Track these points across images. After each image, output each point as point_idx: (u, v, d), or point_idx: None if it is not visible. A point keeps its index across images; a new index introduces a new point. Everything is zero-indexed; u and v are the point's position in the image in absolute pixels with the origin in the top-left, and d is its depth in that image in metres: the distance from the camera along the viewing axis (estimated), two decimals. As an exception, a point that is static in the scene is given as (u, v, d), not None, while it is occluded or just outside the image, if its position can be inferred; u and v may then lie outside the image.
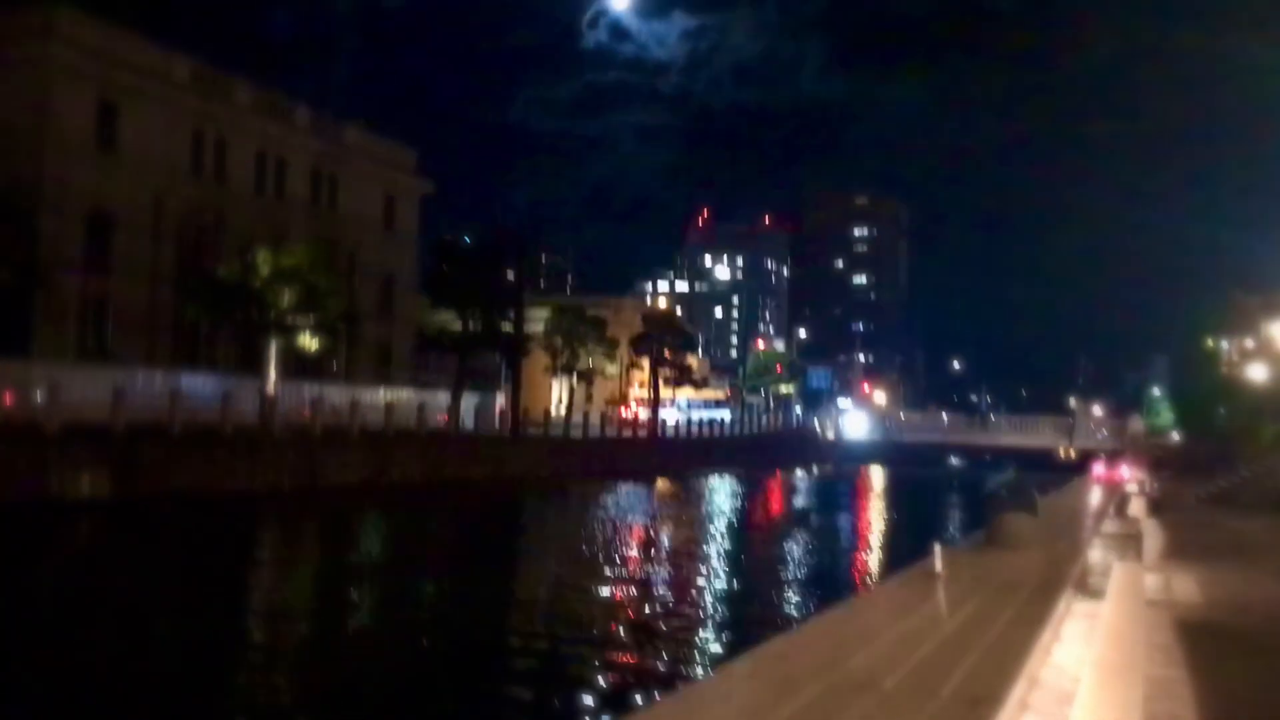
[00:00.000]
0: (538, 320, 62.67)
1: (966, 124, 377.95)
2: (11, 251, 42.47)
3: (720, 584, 23.26)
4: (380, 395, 47.93)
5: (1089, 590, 12.25)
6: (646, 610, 20.22)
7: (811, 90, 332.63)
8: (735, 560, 27.60)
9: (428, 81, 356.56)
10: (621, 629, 18.19)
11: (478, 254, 49.16)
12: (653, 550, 29.47)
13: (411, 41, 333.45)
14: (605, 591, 22.06)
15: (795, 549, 30.86)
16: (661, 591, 22.36)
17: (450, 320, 49.13)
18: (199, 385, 40.90)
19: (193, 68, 52.86)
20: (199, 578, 21.84)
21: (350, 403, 41.04)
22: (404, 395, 51.38)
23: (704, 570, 25.10)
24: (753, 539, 33.51)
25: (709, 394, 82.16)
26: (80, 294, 45.55)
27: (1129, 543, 12.93)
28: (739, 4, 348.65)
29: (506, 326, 52.83)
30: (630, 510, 40.49)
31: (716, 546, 30.33)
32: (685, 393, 79.44)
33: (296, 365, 50.86)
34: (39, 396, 30.62)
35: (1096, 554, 12.86)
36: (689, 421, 70.28)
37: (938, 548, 7.03)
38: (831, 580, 23.87)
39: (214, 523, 28.91)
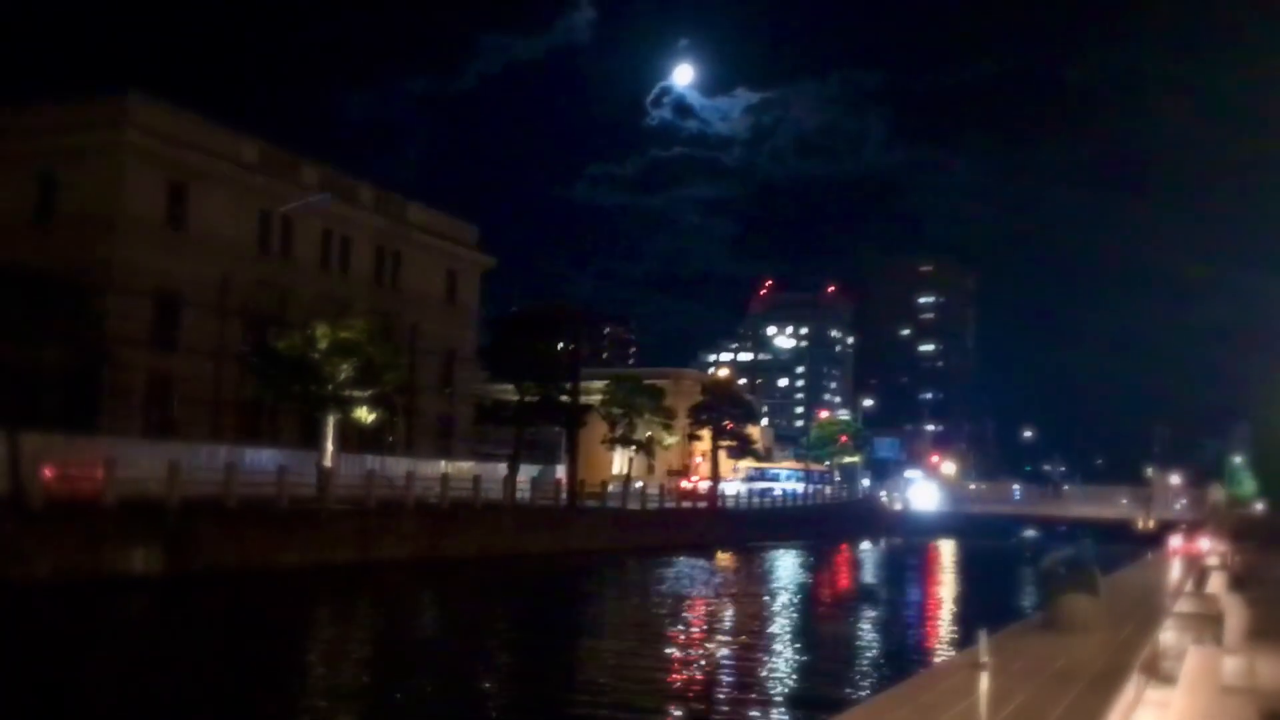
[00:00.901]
0: (596, 391, 62.51)
1: (1033, 190, 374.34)
2: (78, 330, 43.43)
3: (769, 666, 22.32)
4: (439, 468, 47.82)
5: (1160, 675, 11.38)
6: (684, 690, 19.45)
7: (874, 160, 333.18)
8: (792, 640, 26.58)
9: (494, 159, 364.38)
10: (656, 704, 17.48)
11: (534, 326, 49.15)
12: (708, 628, 28.60)
13: (479, 122, 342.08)
14: (648, 666, 21.35)
15: (857, 629, 29.76)
16: (703, 673, 21.55)
17: (508, 393, 49.05)
18: (261, 460, 41.13)
19: (261, 149, 54.18)
20: (236, 656, 21.56)
21: (405, 475, 40.87)
22: (464, 467, 51.26)
23: (756, 651, 24.16)
24: (813, 617, 32.42)
25: (788, 464, 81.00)
26: (147, 371, 46.29)
27: (1206, 623, 12.01)
28: (801, 78, 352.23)
29: (565, 398, 52.68)
30: (687, 585, 39.58)
31: (773, 625, 29.34)
32: (748, 462, 78.43)
33: (358, 439, 51.20)
34: (100, 473, 30.86)
35: (1170, 636, 12.00)
36: (749, 493, 69.15)
37: (983, 634, 6.45)
38: (895, 659, 22.81)
39: (261, 598, 28.70)
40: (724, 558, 50.99)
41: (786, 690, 19.23)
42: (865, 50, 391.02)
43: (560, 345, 55.42)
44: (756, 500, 68.93)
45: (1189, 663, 10.62)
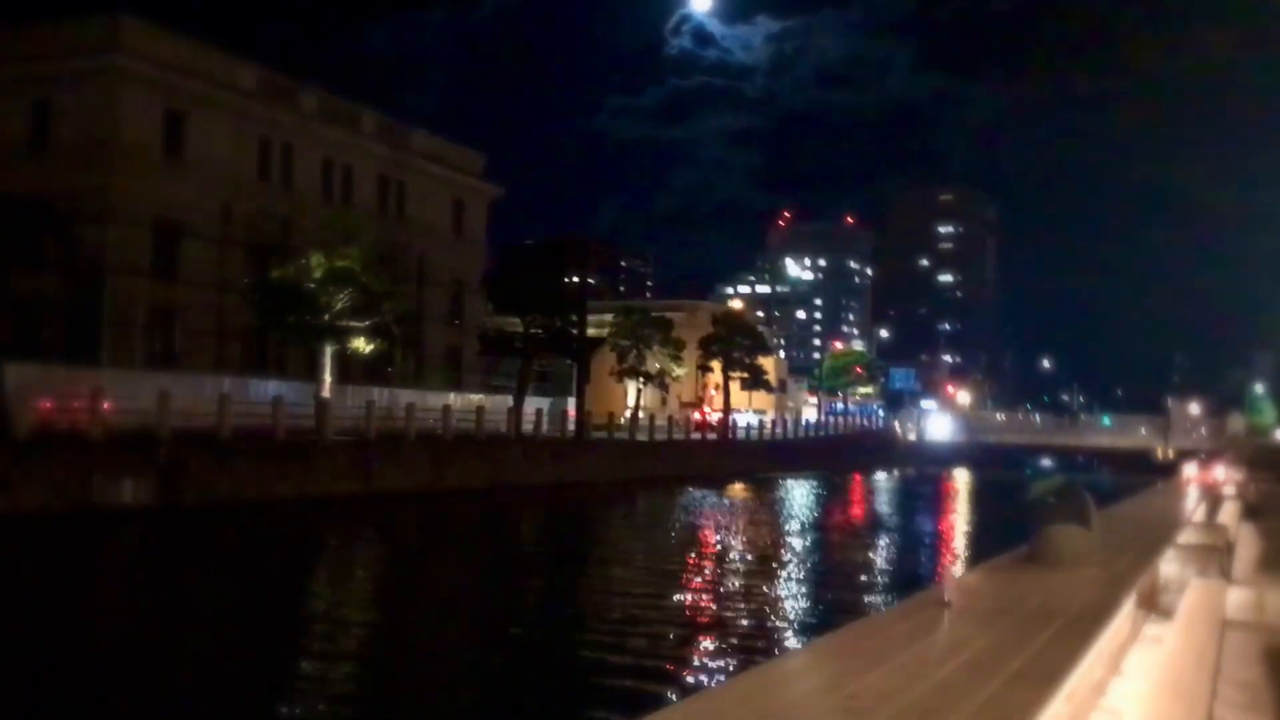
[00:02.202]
0: (608, 325, 61.67)
1: (1057, 121, 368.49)
2: (76, 259, 42.89)
3: (756, 596, 21.65)
4: (444, 399, 47.30)
5: (1160, 609, 10.62)
6: (671, 614, 18.92)
7: (897, 91, 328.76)
8: (789, 569, 25.98)
9: (513, 92, 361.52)
10: (644, 636, 16.92)
11: (541, 257, 48.22)
12: (707, 556, 28.07)
13: (497, 54, 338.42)
14: (642, 596, 20.84)
15: (859, 557, 29.15)
16: (692, 598, 21.02)
17: (517, 325, 48.30)
18: (266, 391, 40.62)
19: (259, 75, 53.05)
20: (225, 587, 21.16)
21: (406, 406, 40.31)
22: (474, 400, 50.75)
23: (745, 581, 23.44)
24: (818, 545, 31.84)
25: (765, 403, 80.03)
26: (148, 302, 45.76)
27: (1212, 554, 11.18)
28: (823, 5, 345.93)
29: (574, 331, 51.89)
30: (694, 515, 39.14)
31: (772, 554, 28.68)
32: (762, 399, 77.82)
33: (363, 371, 50.67)
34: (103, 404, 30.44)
35: (1172, 568, 11.21)
36: (761, 424, 68.51)
37: (950, 570, 5.54)
38: (888, 590, 22.21)
39: (257, 530, 28.36)
40: (735, 489, 50.51)
41: (749, 626, 18.48)
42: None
43: (569, 277, 54.61)
44: (767, 431, 68.23)
45: (1189, 596, 9.85)
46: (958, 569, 21.68)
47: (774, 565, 25.96)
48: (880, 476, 68.73)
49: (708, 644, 16.81)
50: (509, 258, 54.98)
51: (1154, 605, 10.63)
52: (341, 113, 57.63)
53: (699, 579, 23.70)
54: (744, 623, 18.65)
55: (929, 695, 4.34)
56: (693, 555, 27.88)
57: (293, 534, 29.27)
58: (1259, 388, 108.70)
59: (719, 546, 30.14)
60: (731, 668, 14.30)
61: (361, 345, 38.51)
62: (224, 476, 30.80)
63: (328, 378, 38.32)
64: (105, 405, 29.69)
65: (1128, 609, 8.16)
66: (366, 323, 37.97)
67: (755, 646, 16.16)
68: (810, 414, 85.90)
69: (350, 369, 48.39)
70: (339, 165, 57.08)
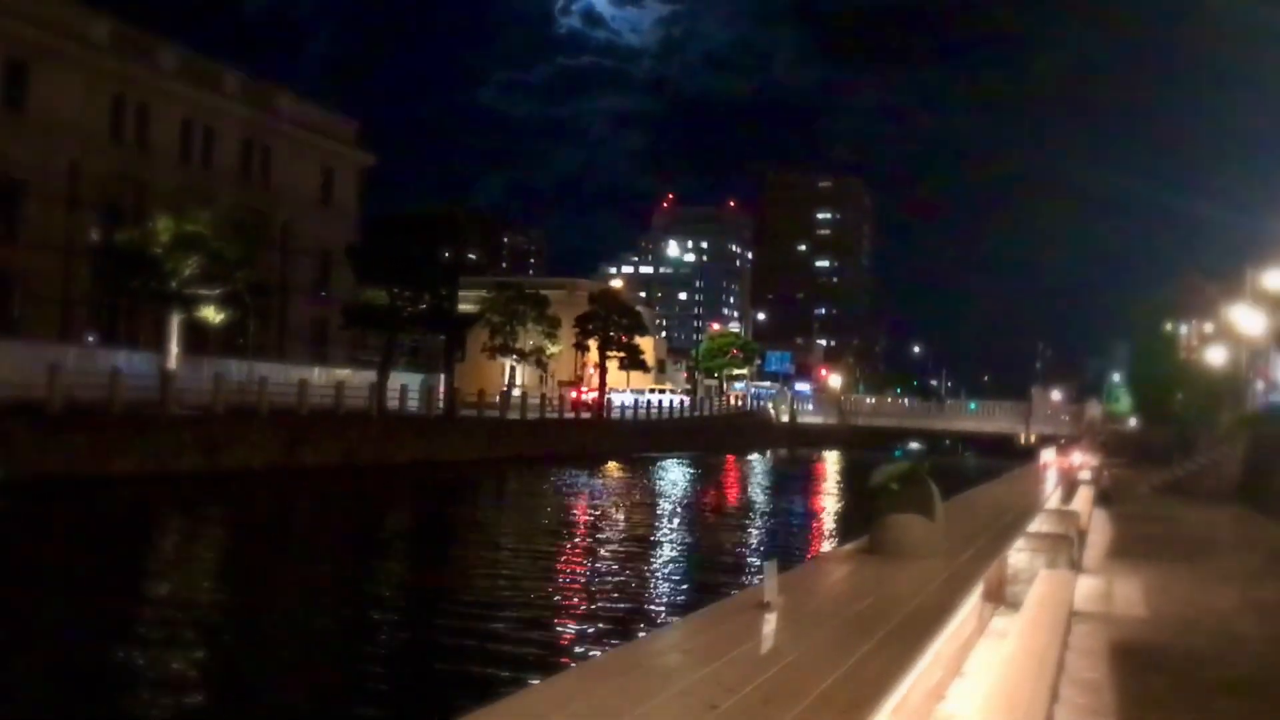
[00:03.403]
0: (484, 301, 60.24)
1: (935, 114, 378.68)
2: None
3: (612, 579, 21.04)
4: (307, 374, 45.41)
5: (1007, 601, 10.26)
6: (500, 609, 18.07)
7: (783, 79, 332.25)
8: (643, 553, 25.25)
9: (399, 64, 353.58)
10: (482, 620, 16.10)
11: (410, 228, 46.55)
12: (566, 538, 27.30)
13: (383, 24, 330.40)
14: (484, 578, 20.06)
15: (723, 539, 28.77)
16: (537, 582, 20.26)
17: (383, 297, 46.62)
18: (116, 362, 38.31)
19: (112, 28, 50.06)
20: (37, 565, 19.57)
21: (260, 379, 38.48)
22: (341, 374, 48.92)
23: (603, 564, 22.86)
24: (683, 527, 31.38)
25: (653, 383, 79.80)
26: (-16, 264, 42.80)
27: (1061, 544, 10.86)
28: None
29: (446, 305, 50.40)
30: (559, 496, 38.36)
31: (635, 536, 28.06)
32: (640, 380, 77.48)
33: (223, 343, 48.36)
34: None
35: (1021, 558, 10.84)
36: (636, 404, 68.07)
37: (770, 566, 4.95)
38: (753, 568, 21.88)
39: (88, 507, 26.53)
40: (608, 469, 49.89)
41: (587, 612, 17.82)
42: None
43: (441, 250, 53.02)
44: (644, 412, 67.81)
45: (1038, 587, 9.45)
46: (792, 560, 20.99)
47: (636, 548, 25.30)
48: (754, 458, 69.05)
49: (550, 630, 16.05)
50: (377, 228, 52.97)
51: (1001, 597, 10.24)
52: (203, 72, 54.91)
53: (549, 562, 22.82)
54: (598, 606, 17.97)
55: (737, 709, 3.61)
56: (550, 537, 27.12)
57: (125, 512, 27.47)
58: (1116, 376, 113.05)
59: (581, 528, 29.41)
60: (578, 652, 13.62)
61: (211, 314, 36.52)
62: (54, 451, 28.73)
63: (174, 348, 36.32)
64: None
65: (970, 606, 7.65)
66: (217, 291, 35.99)
67: (604, 630, 15.51)
68: (702, 394, 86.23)
69: (209, 341, 46.15)
70: (199, 126, 54.40)
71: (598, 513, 33.08)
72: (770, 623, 5.03)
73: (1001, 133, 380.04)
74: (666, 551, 25.52)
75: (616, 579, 20.93)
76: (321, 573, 21.61)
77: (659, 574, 21.95)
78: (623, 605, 18.11)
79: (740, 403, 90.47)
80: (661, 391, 74.87)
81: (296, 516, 30.59)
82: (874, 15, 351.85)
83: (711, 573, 21.81)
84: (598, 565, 22.62)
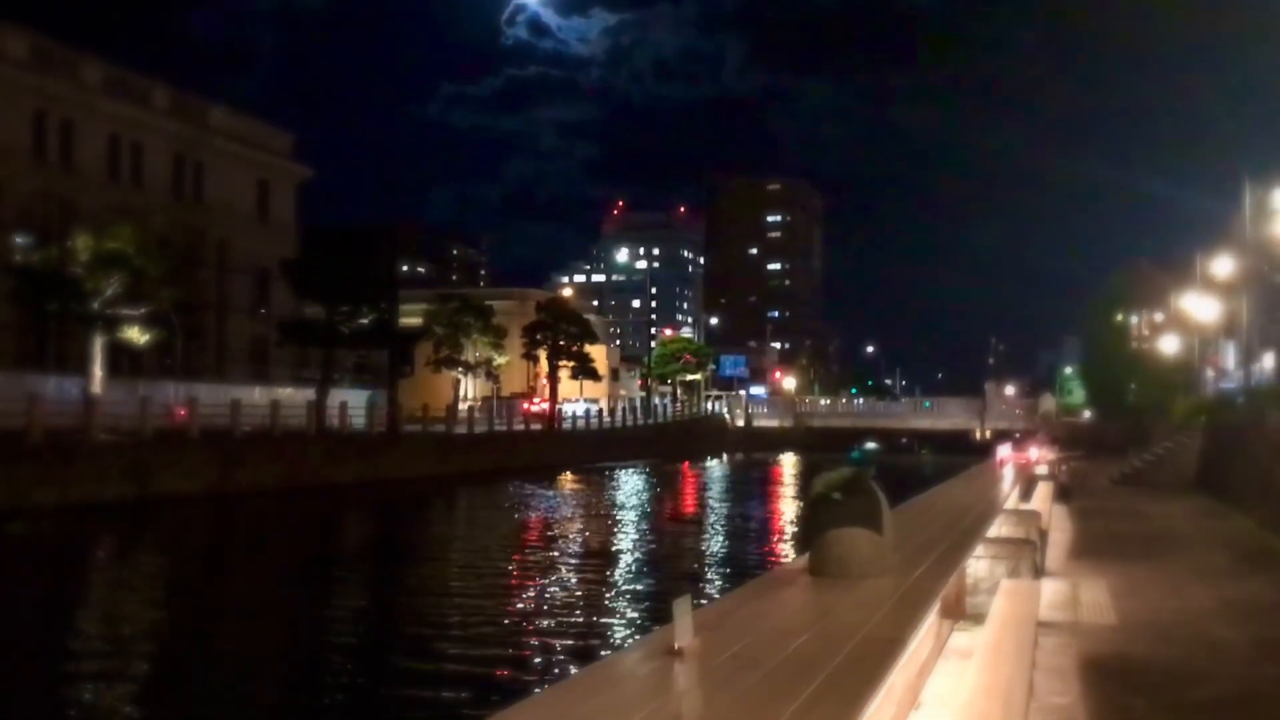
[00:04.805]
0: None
1: (881, 116, 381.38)
2: None
3: (559, 601, 19.89)
4: (247, 393, 43.89)
5: (967, 615, 9.38)
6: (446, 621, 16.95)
7: (730, 84, 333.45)
8: (604, 568, 24.23)
9: (344, 78, 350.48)
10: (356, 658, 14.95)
11: (348, 242, 45.26)
12: (497, 561, 25.76)
13: (327, 39, 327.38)
14: (415, 599, 18.91)
15: (669, 553, 27.65)
16: (470, 602, 19.08)
17: (320, 312, 45.20)
18: (45, 388, 36.67)
19: (32, 43, 48.39)
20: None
21: (188, 400, 36.98)
22: (284, 394, 47.37)
23: (547, 584, 21.69)
24: (636, 541, 30.32)
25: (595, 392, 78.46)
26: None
27: (1024, 550, 9.98)
28: (657, 1, 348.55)
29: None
30: (508, 512, 37.15)
31: (585, 552, 26.97)
32: (593, 389, 76.51)
33: (158, 365, 46.72)
34: None
35: (983, 566, 9.94)
36: (588, 413, 67.00)
37: (681, 605, 3.89)
38: (703, 577, 20.83)
39: (7, 539, 25.07)
40: (561, 481, 48.72)
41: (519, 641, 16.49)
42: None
43: (381, 263, 51.77)
44: (596, 421, 66.75)
45: (999, 602, 8.56)
46: (737, 576, 19.07)
47: (571, 571, 23.85)
48: (711, 464, 68.22)
49: (488, 654, 14.95)
50: (315, 242, 51.56)
51: (960, 612, 9.33)
52: (130, 86, 53.26)
53: (467, 593, 20.99)
54: (544, 625, 16.87)
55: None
56: (476, 556, 25.79)
57: (48, 544, 26.01)
58: (1068, 370, 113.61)
59: (517, 548, 27.97)
60: (519, 680, 12.50)
61: (136, 335, 34.98)
62: (-38, 485, 27.19)
63: (98, 371, 34.75)
64: None
65: (924, 632, 6.74)
66: (141, 310, 34.48)
67: (552, 658, 14.45)
68: (656, 401, 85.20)
69: (143, 363, 44.53)
70: (127, 142, 52.75)
71: (540, 530, 31.69)
72: (681, 675, 4.02)
73: (946, 130, 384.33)
74: (600, 574, 23.08)
75: (535, 610, 18.88)
76: (251, 602, 20.36)
77: (584, 603, 19.78)
78: (532, 643, 16.16)
79: (693, 408, 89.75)
80: (594, 401, 73.61)
81: (227, 543, 29.21)
82: (817, 19, 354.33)
83: (635, 602, 19.82)
84: (524, 594, 20.83)
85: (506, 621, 17.69)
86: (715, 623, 5.02)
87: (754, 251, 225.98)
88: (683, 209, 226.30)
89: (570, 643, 15.80)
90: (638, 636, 5.37)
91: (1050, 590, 11.54)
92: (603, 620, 18.02)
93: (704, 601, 5.36)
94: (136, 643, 16.32)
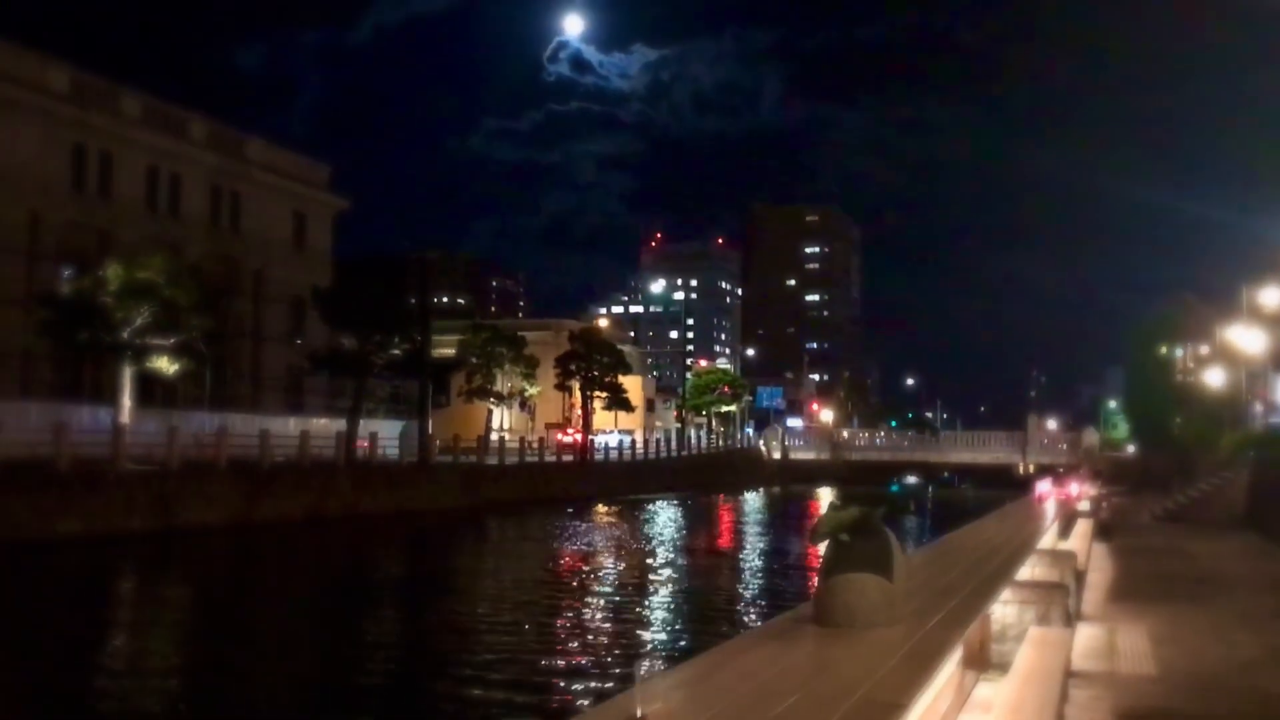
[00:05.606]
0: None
1: (922, 145, 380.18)
2: None
3: (585, 642, 19.08)
4: (282, 424, 43.93)
5: (992, 665, 8.75)
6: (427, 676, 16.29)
7: (768, 116, 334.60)
8: (592, 617, 22.30)
9: (390, 114, 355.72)
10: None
11: (381, 272, 45.31)
12: (509, 600, 24.62)
13: (374, 76, 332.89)
14: (448, 636, 18.34)
15: (708, 589, 26.87)
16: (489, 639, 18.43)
17: (352, 342, 45.19)
18: (83, 419, 36.83)
19: (72, 76, 49.12)
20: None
21: (217, 431, 36.93)
22: (320, 424, 47.37)
23: (530, 633, 20.12)
24: (666, 581, 29.37)
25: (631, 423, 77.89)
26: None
27: (1056, 594, 9.33)
28: (697, 35, 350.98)
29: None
30: (533, 545, 36.55)
31: (588, 596, 25.66)
32: (628, 420, 76.02)
33: (192, 396, 46.90)
34: None
35: (1010, 611, 9.30)
36: (621, 444, 66.45)
37: (642, 672, 3.21)
38: (736, 619, 20.04)
39: (28, 572, 24.89)
40: (592, 513, 48.08)
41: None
42: (759, 6, 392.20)
43: (416, 294, 51.74)
44: (629, 452, 66.16)
45: (1025, 651, 7.90)
46: (724, 631, 17.25)
47: (598, 605, 23.11)
48: (746, 497, 67.28)
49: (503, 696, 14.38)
50: (350, 272, 51.71)
51: (985, 662, 8.69)
52: (168, 118, 53.87)
53: (475, 630, 20.06)
54: (508, 675, 15.68)
55: None
56: (487, 600, 24.70)
57: (68, 576, 25.82)
58: (1111, 403, 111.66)
59: (540, 585, 26.91)
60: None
61: (165, 365, 34.99)
62: (-7, 513, 27.12)
63: (127, 401, 34.79)
64: None
65: (940, 685, 6.17)
66: (170, 340, 34.50)
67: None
68: (692, 433, 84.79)
69: (177, 393, 44.72)
70: (165, 174, 53.32)
71: (562, 565, 30.67)
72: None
73: (986, 161, 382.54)
74: (610, 615, 21.97)
75: (546, 653, 17.61)
76: (266, 634, 19.98)
77: (574, 646, 18.21)
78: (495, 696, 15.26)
79: (729, 440, 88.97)
80: (628, 432, 73.10)
81: (248, 575, 28.83)
82: (856, 51, 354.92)
83: (629, 649, 18.19)
84: (539, 631, 19.78)
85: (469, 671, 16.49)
86: (696, 680, 4.48)
87: (792, 282, 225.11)
88: (720, 239, 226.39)
89: (524, 699, 14.25)
90: (601, 701, 4.75)
91: (1085, 636, 10.88)
92: (587, 668, 16.52)
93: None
94: (159, 677, 15.97)
